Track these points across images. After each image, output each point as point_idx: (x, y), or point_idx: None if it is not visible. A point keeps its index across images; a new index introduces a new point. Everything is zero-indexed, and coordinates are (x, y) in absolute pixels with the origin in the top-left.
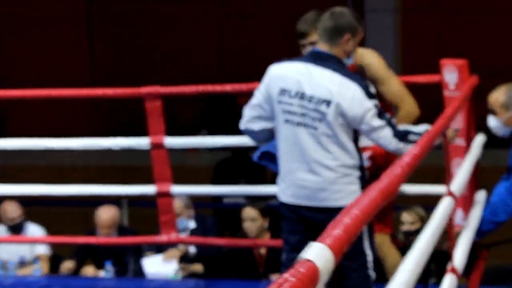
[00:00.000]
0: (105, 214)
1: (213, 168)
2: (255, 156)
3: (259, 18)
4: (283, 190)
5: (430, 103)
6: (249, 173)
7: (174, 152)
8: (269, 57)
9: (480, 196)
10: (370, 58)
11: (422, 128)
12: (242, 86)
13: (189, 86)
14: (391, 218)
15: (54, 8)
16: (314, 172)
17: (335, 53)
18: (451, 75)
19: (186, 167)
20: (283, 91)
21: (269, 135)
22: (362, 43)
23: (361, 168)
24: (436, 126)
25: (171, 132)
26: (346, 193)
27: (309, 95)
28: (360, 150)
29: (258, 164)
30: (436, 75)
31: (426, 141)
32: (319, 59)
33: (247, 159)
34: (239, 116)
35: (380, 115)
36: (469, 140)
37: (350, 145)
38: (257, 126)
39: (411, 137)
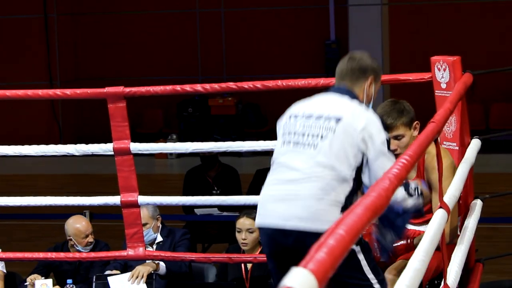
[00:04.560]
0: (83, 221)
1: (183, 176)
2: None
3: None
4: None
5: (420, 103)
6: (223, 181)
7: (141, 157)
8: (248, 53)
9: (475, 205)
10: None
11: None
12: (215, 86)
13: (156, 86)
14: None
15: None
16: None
17: (355, 92)
18: (442, 73)
19: (154, 174)
20: (290, 116)
21: None
22: (347, 39)
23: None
24: (426, 132)
25: (136, 135)
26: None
27: (318, 114)
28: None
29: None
30: (426, 73)
31: (416, 149)
32: (338, 91)
33: (219, 166)
34: (210, 118)
35: (389, 149)
36: (463, 145)
37: (345, 182)
38: None
39: (412, 190)
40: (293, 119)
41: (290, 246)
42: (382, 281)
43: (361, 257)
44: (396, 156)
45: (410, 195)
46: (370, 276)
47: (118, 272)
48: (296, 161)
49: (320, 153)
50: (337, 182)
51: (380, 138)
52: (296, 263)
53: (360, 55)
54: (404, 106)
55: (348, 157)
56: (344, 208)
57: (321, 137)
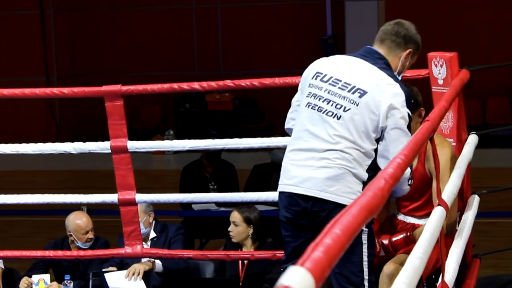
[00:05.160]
0: (84, 217)
1: (180, 172)
2: None
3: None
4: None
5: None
6: (220, 177)
7: (138, 153)
8: (245, 49)
9: (472, 200)
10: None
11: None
12: (212, 84)
13: (153, 85)
14: None
15: None
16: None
17: (389, 59)
18: (439, 69)
19: (151, 170)
20: (317, 74)
21: None
22: (343, 35)
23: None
24: (423, 129)
25: (133, 131)
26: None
27: (344, 82)
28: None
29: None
30: (423, 70)
31: (411, 148)
32: (369, 55)
33: (217, 161)
34: (207, 114)
35: (409, 127)
36: (460, 141)
37: (367, 155)
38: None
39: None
40: (319, 81)
41: (309, 209)
42: (372, 283)
43: (364, 241)
44: None
45: None
46: (365, 270)
47: (115, 269)
48: (320, 129)
49: (342, 125)
50: (359, 156)
51: (400, 112)
52: (311, 227)
53: (409, 24)
54: (412, 90)
55: (369, 132)
56: (368, 178)
57: (344, 108)
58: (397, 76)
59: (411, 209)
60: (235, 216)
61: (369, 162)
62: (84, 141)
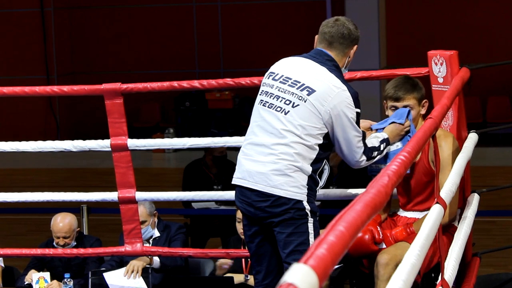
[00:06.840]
0: (61, 222)
1: (180, 170)
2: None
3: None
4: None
5: None
6: (224, 177)
7: (138, 151)
8: (245, 47)
9: (472, 199)
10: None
11: (379, 140)
12: (212, 82)
13: (153, 83)
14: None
15: None
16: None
17: (337, 60)
18: (439, 67)
19: (151, 168)
20: (270, 74)
21: None
22: None
23: (313, 184)
24: (424, 128)
25: (133, 129)
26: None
27: (293, 80)
28: (321, 171)
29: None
30: (423, 68)
31: (414, 146)
32: (320, 57)
33: (219, 160)
34: (207, 112)
35: (358, 124)
36: (460, 139)
37: (311, 149)
38: None
39: (375, 153)
40: (271, 79)
41: (254, 201)
42: None
43: (311, 230)
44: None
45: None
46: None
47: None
48: (269, 125)
49: (290, 120)
50: (304, 149)
51: (347, 114)
52: (256, 219)
53: (348, 21)
54: (418, 82)
55: (315, 127)
56: (313, 173)
57: (293, 104)
58: (345, 69)
59: (414, 204)
60: None
61: (313, 155)
62: (84, 139)
